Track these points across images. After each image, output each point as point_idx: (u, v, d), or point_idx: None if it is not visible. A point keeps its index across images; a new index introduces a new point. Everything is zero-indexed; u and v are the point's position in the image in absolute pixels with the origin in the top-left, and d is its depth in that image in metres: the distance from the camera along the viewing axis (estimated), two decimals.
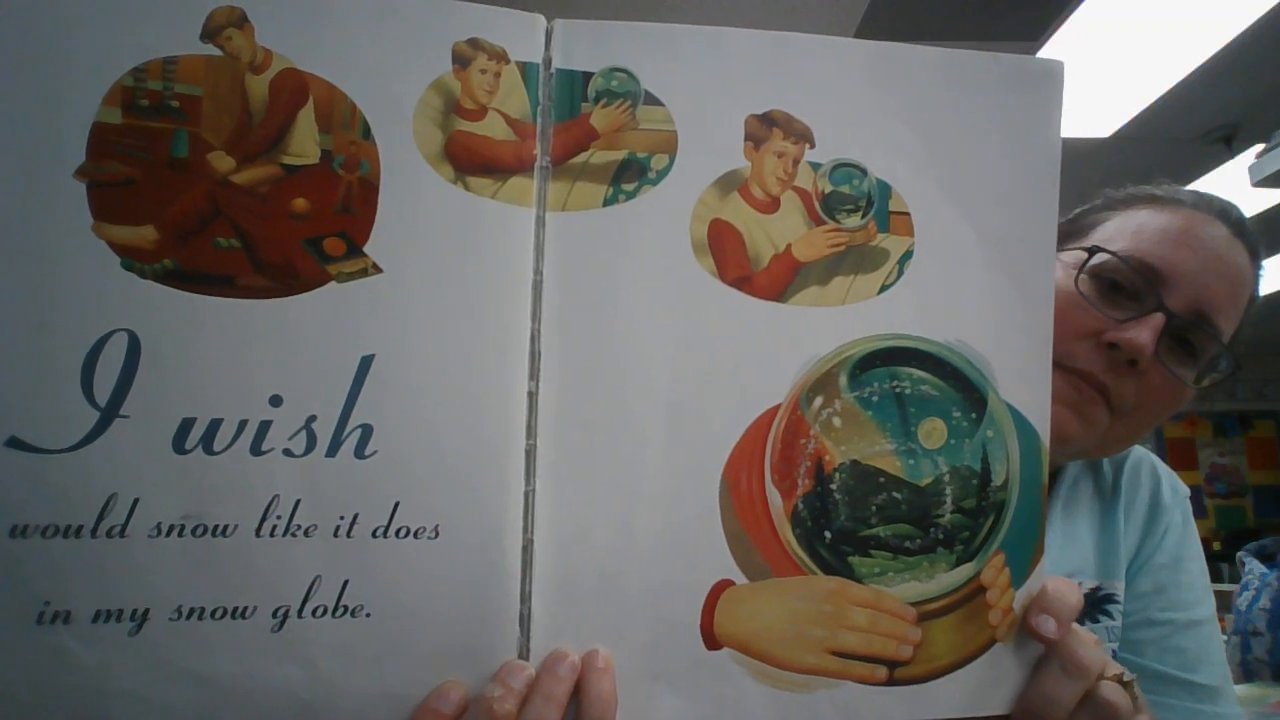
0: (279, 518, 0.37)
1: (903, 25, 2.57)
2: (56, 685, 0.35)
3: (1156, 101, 2.89)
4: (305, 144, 0.38)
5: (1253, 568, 1.64)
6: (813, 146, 0.41)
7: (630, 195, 0.40)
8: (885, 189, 0.42)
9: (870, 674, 0.41)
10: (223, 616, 0.37)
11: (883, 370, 0.42)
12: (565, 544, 0.39)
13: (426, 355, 0.38)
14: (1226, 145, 3.15)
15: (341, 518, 0.38)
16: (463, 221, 0.38)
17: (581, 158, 0.40)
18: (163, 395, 0.36)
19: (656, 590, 0.40)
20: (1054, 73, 0.43)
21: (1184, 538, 0.72)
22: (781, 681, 0.40)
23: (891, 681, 0.41)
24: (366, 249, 0.38)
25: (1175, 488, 0.75)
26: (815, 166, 0.41)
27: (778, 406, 0.41)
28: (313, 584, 0.37)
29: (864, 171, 0.41)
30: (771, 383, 0.41)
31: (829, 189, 0.41)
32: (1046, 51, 2.69)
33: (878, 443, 0.42)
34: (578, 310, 0.39)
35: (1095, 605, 0.68)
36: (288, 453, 0.37)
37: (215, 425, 0.37)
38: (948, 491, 0.42)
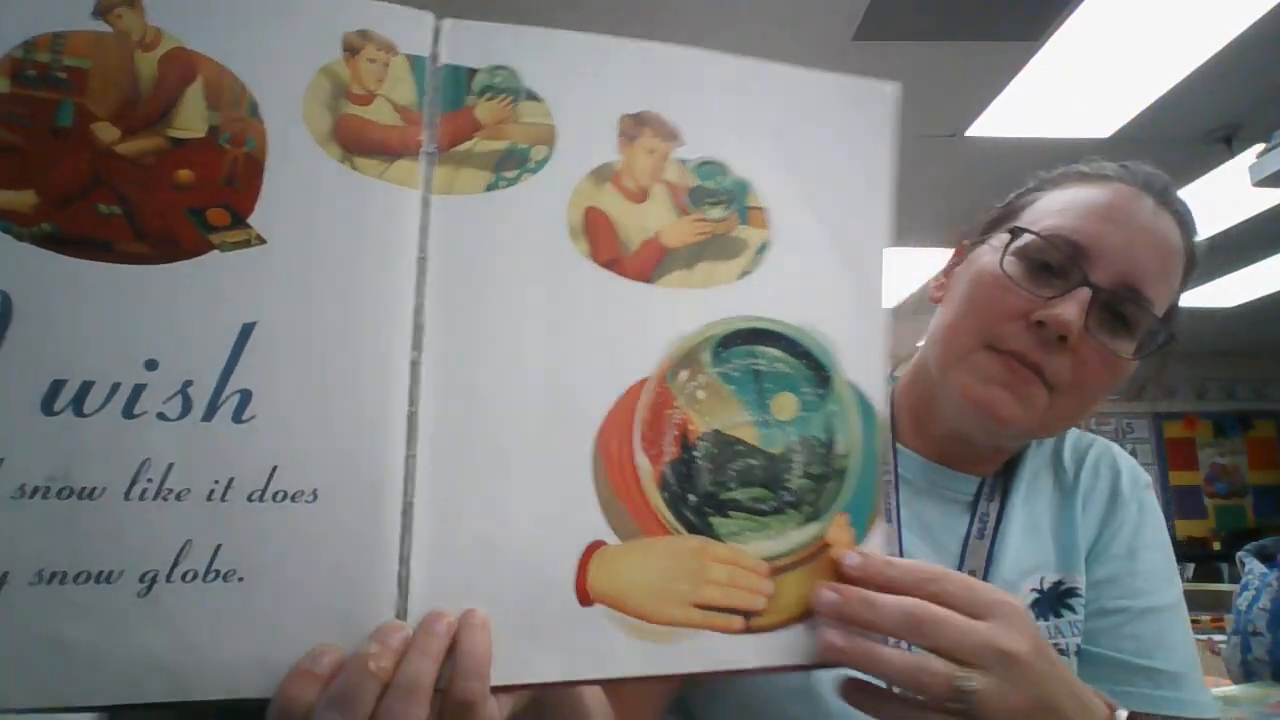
0: (150, 481, 0.35)
1: (902, 25, 2.41)
2: None
3: (1156, 101, 2.75)
4: (192, 119, 0.37)
5: (1253, 568, 1.55)
6: (681, 145, 0.43)
7: (511, 182, 0.41)
8: (744, 186, 0.44)
9: (728, 624, 0.42)
10: (86, 581, 0.34)
11: (742, 349, 0.43)
12: (444, 507, 0.38)
13: (309, 323, 0.37)
14: (1226, 145, 3.01)
15: (216, 481, 0.36)
16: (349, 199, 0.38)
17: (466, 145, 0.40)
18: (33, 356, 0.34)
19: (532, 551, 0.40)
20: (887, 94, 0.47)
21: (1140, 527, 0.69)
22: (650, 634, 0.41)
23: (747, 630, 0.42)
24: (251, 221, 0.37)
25: (1135, 479, 0.72)
26: (683, 162, 0.43)
27: (646, 379, 0.42)
28: (183, 548, 0.35)
29: (726, 169, 0.44)
30: (640, 357, 0.42)
31: (695, 183, 0.43)
32: (1046, 51, 2.54)
33: (737, 414, 0.43)
34: (460, 286, 0.40)
35: (1058, 599, 0.66)
36: (161, 416, 0.36)
37: (87, 387, 0.35)
38: (797, 459, 0.44)
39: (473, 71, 0.41)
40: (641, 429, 0.42)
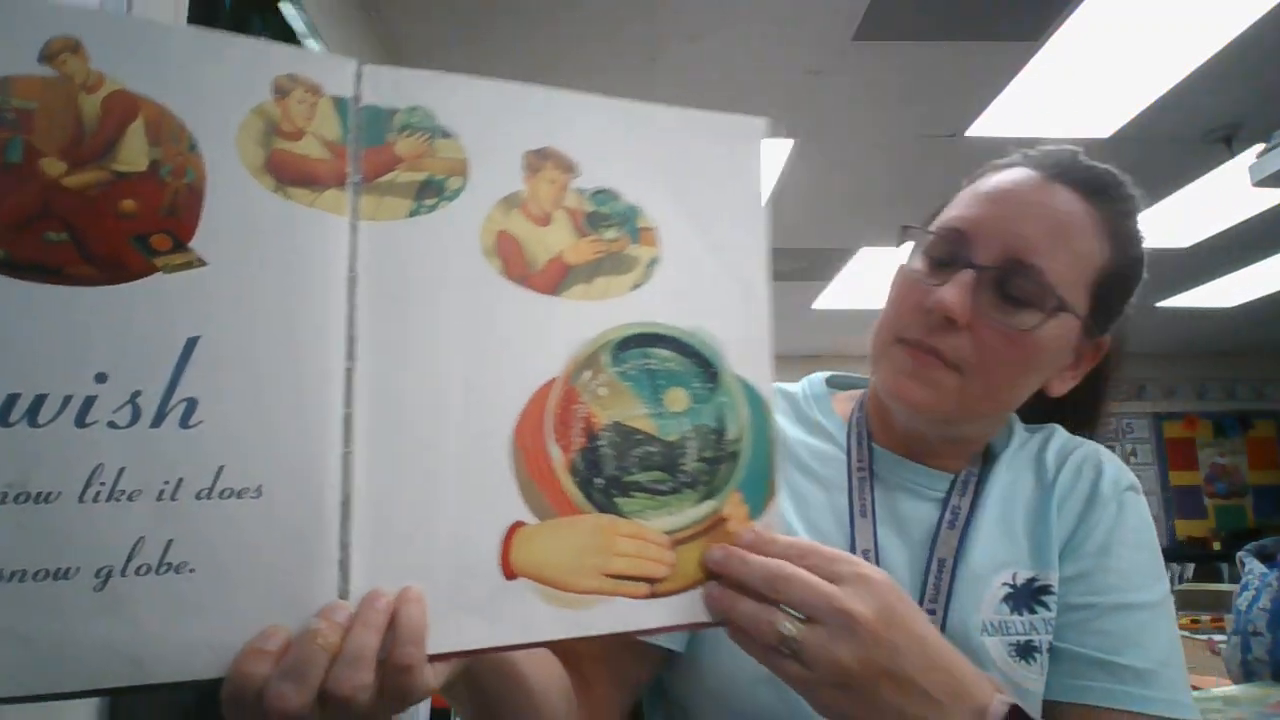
0: (103, 484, 0.39)
1: (902, 25, 2.40)
2: None
3: (1156, 101, 2.77)
4: (134, 155, 0.41)
5: (1253, 568, 1.55)
6: (578, 176, 0.50)
7: (430, 209, 0.46)
8: (635, 210, 0.51)
9: (636, 590, 0.48)
10: (44, 578, 0.37)
11: (637, 351, 0.50)
12: (379, 498, 0.43)
13: (250, 336, 0.42)
14: (1226, 145, 3.05)
15: (166, 482, 0.40)
16: (284, 224, 0.43)
17: (388, 177, 0.46)
18: None
19: (460, 533, 0.45)
20: (756, 127, 0.55)
21: (1118, 526, 0.68)
22: (567, 601, 0.46)
23: (653, 595, 0.49)
24: (192, 245, 0.41)
25: (1118, 480, 0.71)
26: (580, 191, 0.50)
27: (554, 379, 0.48)
28: (136, 544, 0.39)
29: (618, 196, 0.51)
30: (548, 360, 0.48)
31: (591, 209, 0.50)
32: (1046, 51, 2.49)
33: (635, 407, 0.50)
34: (387, 300, 0.45)
35: (1031, 596, 0.67)
36: (112, 425, 0.39)
37: (40, 400, 0.38)
38: (691, 445, 0.51)
39: (392, 111, 0.46)
40: (552, 422, 0.48)
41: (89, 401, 0.39)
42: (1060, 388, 0.70)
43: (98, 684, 0.38)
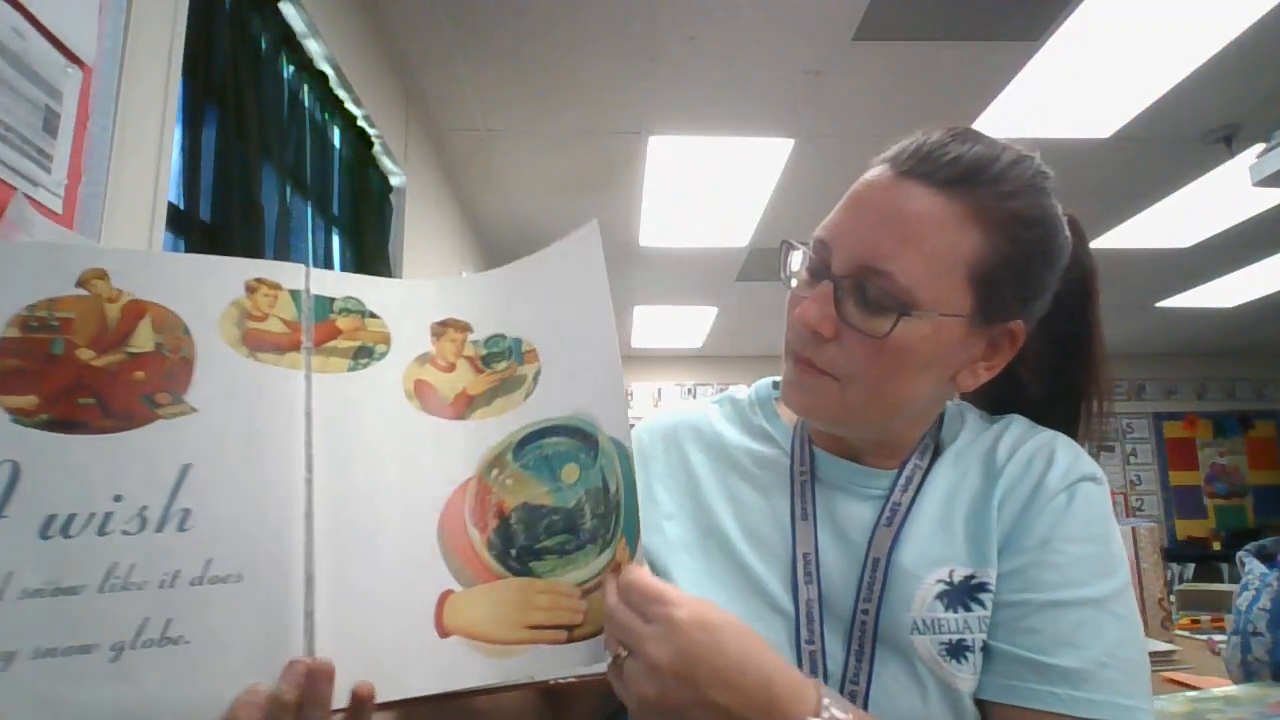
0: (117, 578, 0.51)
1: (902, 25, 2.43)
2: None
3: (1156, 101, 2.82)
4: (144, 341, 0.58)
5: (1253, 568, 1.54)
6: (472, 332, 0.69)
7: (364, 366, 0.64)
8: (518, 341, 0.69)
9: (555, 637, 0.60)
10: (71, 653, 0.49)
11: (533, 445, 0.66)
12: (336, 576, 0.56)
13: (231, 459, 0.57)
14: (1226, 145, 3.12)
15: (166, 574, 0.52)
16: (255, 378, 0.59)
17: (332, 344, 0.63)
18: (34, 502, 0.51)
19: (401, 601, 0.57)
20: (590, 229, 0.70)
21: (1061, 520, 0.67)
22: (495, 652, 0.58)
23: (570, 640, 0.60)
24: (186, 398, 0.57)
25: (1070, 471, 0.69)
26: (475, 342, 0.68)
27: (469, 479, 0.63)
28: (143, 624, 0.51)
29: (504, 337, 0.69)
30: (463, 466, 0.64)
31: (485, 353, 0.68)
32: (1046, 51, 2.52)
33: (538, 488, 0.65)
34: (336, 429, 0.60)
35: (968, 594, 0.66)
36: (125, 532, 0.53)
37: (71, 518, 0.52)
38: (587, 506, 0.65)
39: (332, 299, 0.65)
40: (469, 511, 0.62)
41: (108, 516, 0.53)
42: (971, 382, 0.71)
43: None
